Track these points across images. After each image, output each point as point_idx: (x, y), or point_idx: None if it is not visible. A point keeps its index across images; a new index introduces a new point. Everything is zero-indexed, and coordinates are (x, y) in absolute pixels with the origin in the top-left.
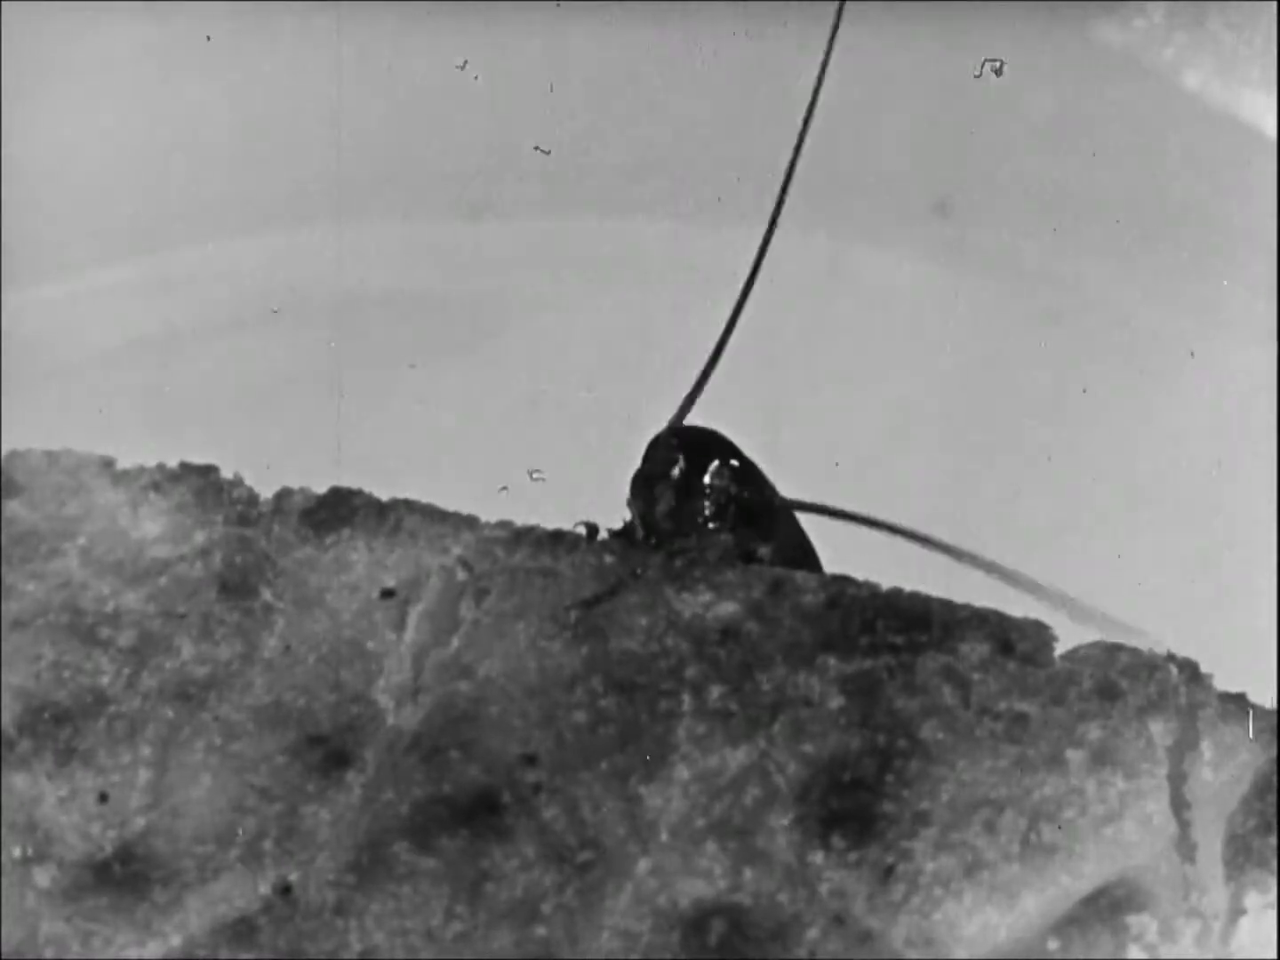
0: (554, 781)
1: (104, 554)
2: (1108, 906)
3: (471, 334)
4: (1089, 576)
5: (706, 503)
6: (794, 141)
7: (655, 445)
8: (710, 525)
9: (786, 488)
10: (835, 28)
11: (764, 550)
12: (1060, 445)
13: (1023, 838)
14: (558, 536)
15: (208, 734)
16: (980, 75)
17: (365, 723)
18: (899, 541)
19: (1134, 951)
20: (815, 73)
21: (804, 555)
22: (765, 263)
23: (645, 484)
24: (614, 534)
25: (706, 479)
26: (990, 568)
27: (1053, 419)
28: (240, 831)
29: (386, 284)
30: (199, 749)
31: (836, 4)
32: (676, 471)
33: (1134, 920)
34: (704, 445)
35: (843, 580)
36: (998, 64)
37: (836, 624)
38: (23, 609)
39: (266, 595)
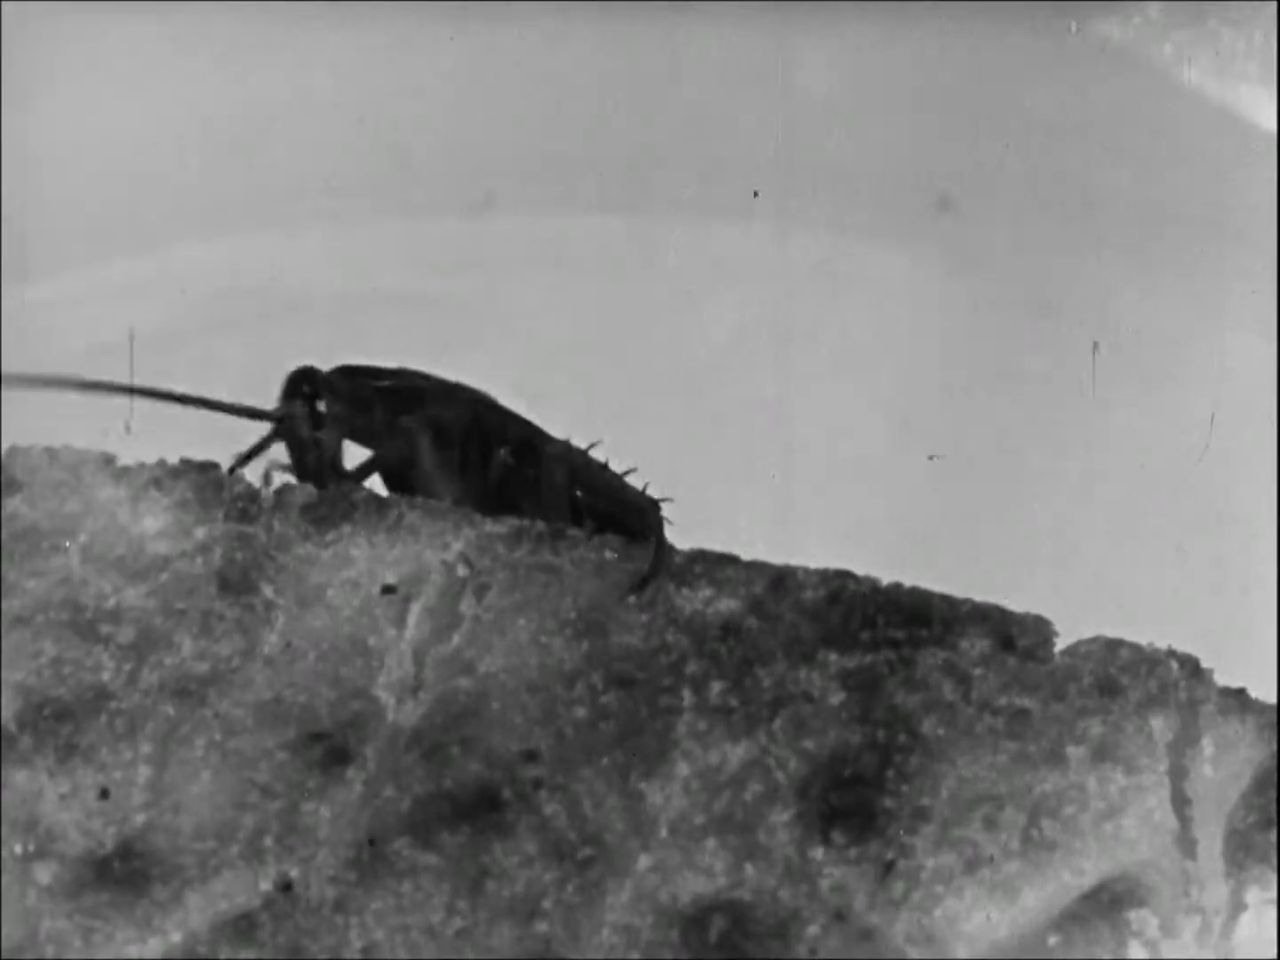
0: (555, 778)
1: (104, 550)
2: (1108, 902)
3: (471, 334)
4: (1089, 572)
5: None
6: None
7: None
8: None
9: (790, 482)
10: None
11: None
12: (1060, 440)
13: (1023, 833)
14: (559, 533)
15: (208, 730)
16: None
17: (366, 719)
18: (901, 539)
19: (1135, 947)
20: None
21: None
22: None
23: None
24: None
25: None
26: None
27: (1052, 414)
28: (240, 829)
29: (386, 284)
30: (199, 745)
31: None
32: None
33: (1134, 916)
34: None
35: (844, 575)
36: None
37: (837, 619)
38: (23, 605)
39: (267, 591)
